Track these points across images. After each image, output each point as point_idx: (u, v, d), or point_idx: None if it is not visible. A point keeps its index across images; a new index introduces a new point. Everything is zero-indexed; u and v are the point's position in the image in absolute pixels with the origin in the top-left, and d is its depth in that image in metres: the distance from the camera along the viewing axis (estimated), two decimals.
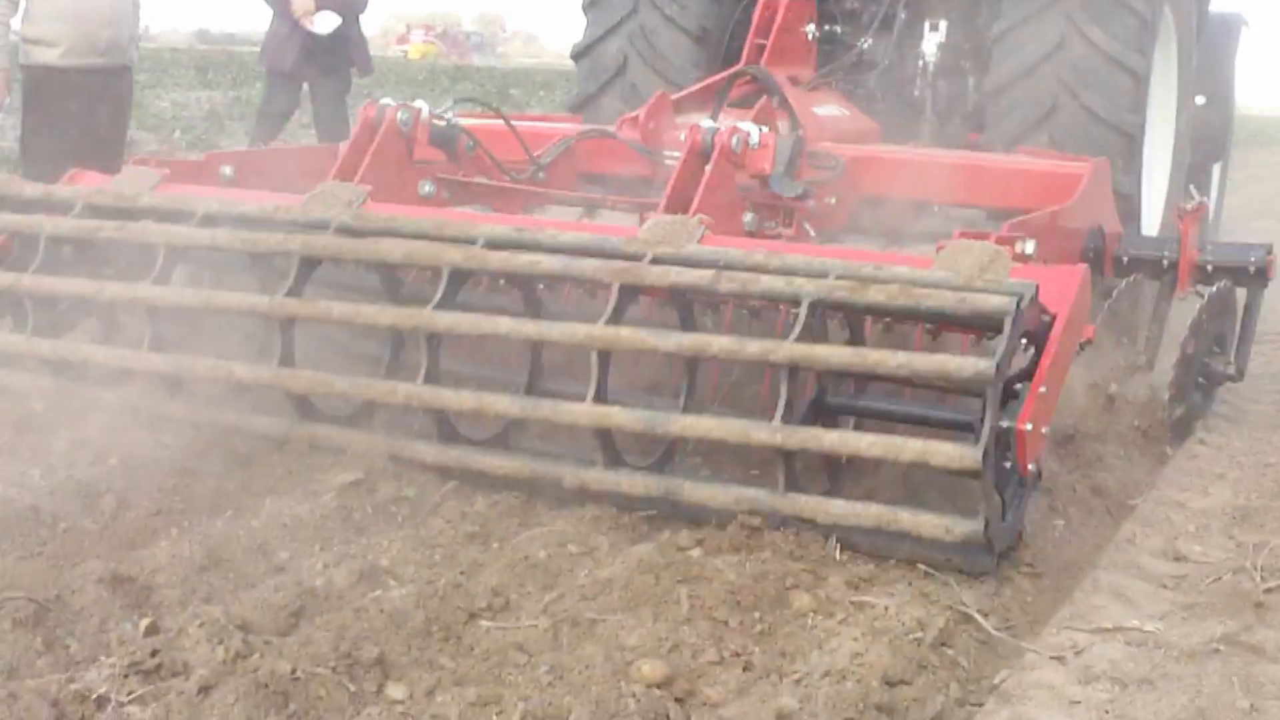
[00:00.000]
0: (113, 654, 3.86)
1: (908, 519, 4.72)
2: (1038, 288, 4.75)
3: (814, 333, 4.96)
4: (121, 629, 4.07)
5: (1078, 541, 5.54)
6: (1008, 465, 4.80)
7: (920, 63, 9.09)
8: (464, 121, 7.41)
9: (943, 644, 4.37)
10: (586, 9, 9.53)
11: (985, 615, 4.62)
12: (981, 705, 4.08)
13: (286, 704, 3.65)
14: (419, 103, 7.08)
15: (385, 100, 6.99)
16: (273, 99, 12.86)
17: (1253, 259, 7.14)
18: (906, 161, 7.51)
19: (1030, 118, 8.21)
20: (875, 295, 4.85)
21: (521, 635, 4.14)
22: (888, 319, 5.48)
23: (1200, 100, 10.24)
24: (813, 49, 8.78)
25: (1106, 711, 4.02)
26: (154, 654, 3.81)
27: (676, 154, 6.70)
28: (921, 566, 4.86)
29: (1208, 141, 10.71)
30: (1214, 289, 7.08)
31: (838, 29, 9.05)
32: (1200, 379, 7.21)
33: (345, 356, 6.06)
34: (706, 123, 6.51)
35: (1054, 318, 4.93)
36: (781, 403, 4.89)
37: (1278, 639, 4.52)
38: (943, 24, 9.07)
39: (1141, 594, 4.96)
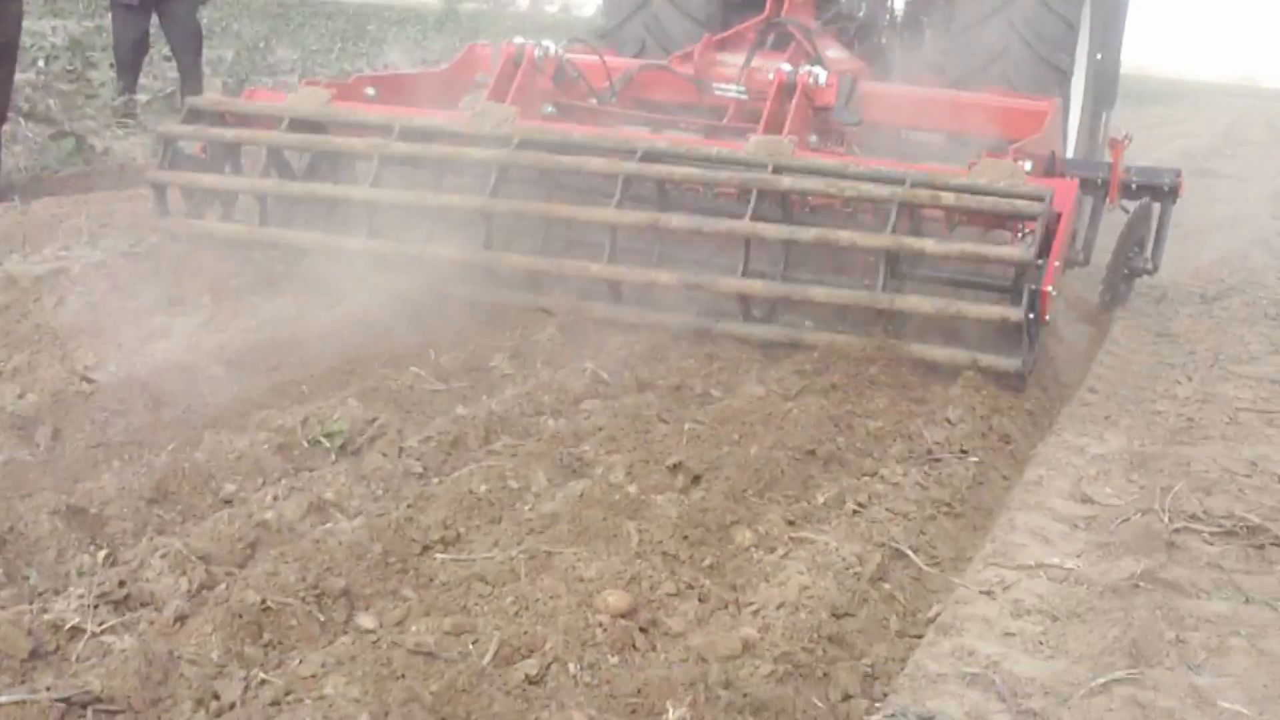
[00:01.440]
0: (77, 585, 3.85)
1: (978, 307, 6.76)
2: (1053, 192, 6.68)
3: (896, 227, 6.72)
4: (80, 560, 4.07)
5: (989, 484, 5.74)
6: (1032, 316, 6.63)
7: (888, 15, 10.80)
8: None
9: (879, 579, 4.53)
10: None
11: (915, 552, 4.79)
12: (921, 637, 4.24)
13: (261, 633, 3.70)
14: (546, 42, 8.85)
15: (519, 39, 8.80)
16: (122, 30, 12.78)
17: (1166, 180, 8.73)
18: (919, 97, 9.06)
19: (986, 58, 9.57)
20: (946, 198, 6.85)
21: (479, 567, 4.22)
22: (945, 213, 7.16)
23: (1098, 56, 11.40)
24: (813, 2, 9.96)
25: (1041, 643, 4.20)
26: (121, 584, 3.82)
27: (722, 86, 8.89)
28: (851, 504, 5.06)
29: (1102, 91, 12.02)
30: (1138, 203, 8.82)
31: None
32: (1125, 272, 9.04)
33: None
34: (786, 66, 8.27)
35: (1060, 214, 6.76)
36: (881, 277, 6.74)
37: (1191, 575, 4.75)
38: None
39: (1057, 533, 5.16)
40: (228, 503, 4.63)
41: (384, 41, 29.56)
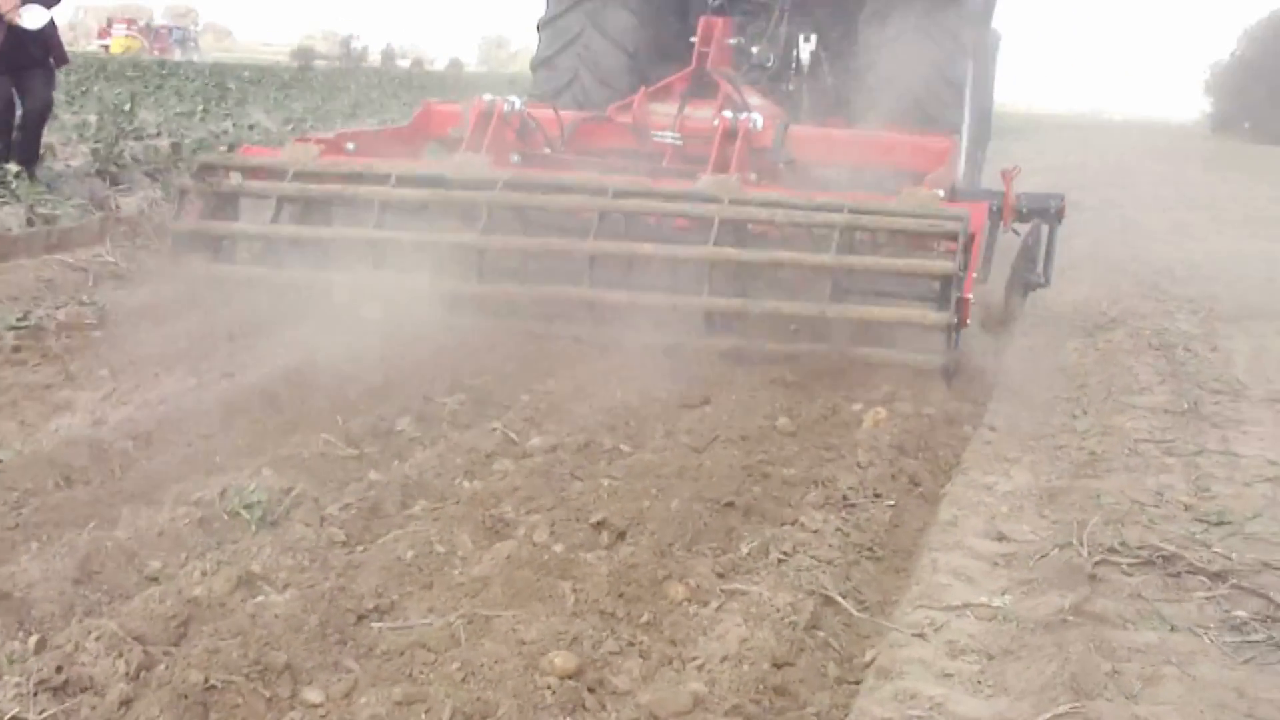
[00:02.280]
0: (11, 673, 3.77)
1: (915, 313, 7.83)
2: (970, 214, 7.84)
3: (841, 247, 7.81)
4: (10, 647, 3.98)
5: (905, 526, 5.80)
6: (955, 321, 7.64)
7: (795, 65, 11.66)
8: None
9: (814, 626, 4.56)
10: (540, 28, 11.81)
11: (844, 597, 4.83)
12: (861, 683, 4.28)
13: (208, 713, 3.66)
14: (512, 98, 9.81)
15: (488, 96, 9.76)
16: None
17: (1053, 204, 9.70)
18: (842, 138, 10.11)
19: (892, 111, 10.40)
20: (881, 222, 7.98)
21: (418, 634, 4.19)
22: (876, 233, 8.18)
23: (976, 98, 12.18)
24: (730, 53, 11.01)
25: (980, 682, 4.26)
26: (58, 670, 3.75)
27: (659, 133, 9.96)
28: (776, 554, 5.10)
29: (980, 129, 12.93)
30: (1030, 226, 9.73)
31: (743, 40, 11.34)
32: (1022, 286, 9.79)
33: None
34: (729, 113, 9.37)
35: (974, 233, 7.85)
36: (828, 290, 7.78)
37: (1116, 607, 4.83)
38: (813, 37, 11.64)
39: (978, 572, 5.23)
40: (154, 580, 4.55)
41: (246, 101, 29.29)
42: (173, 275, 8.75)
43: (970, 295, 7.72)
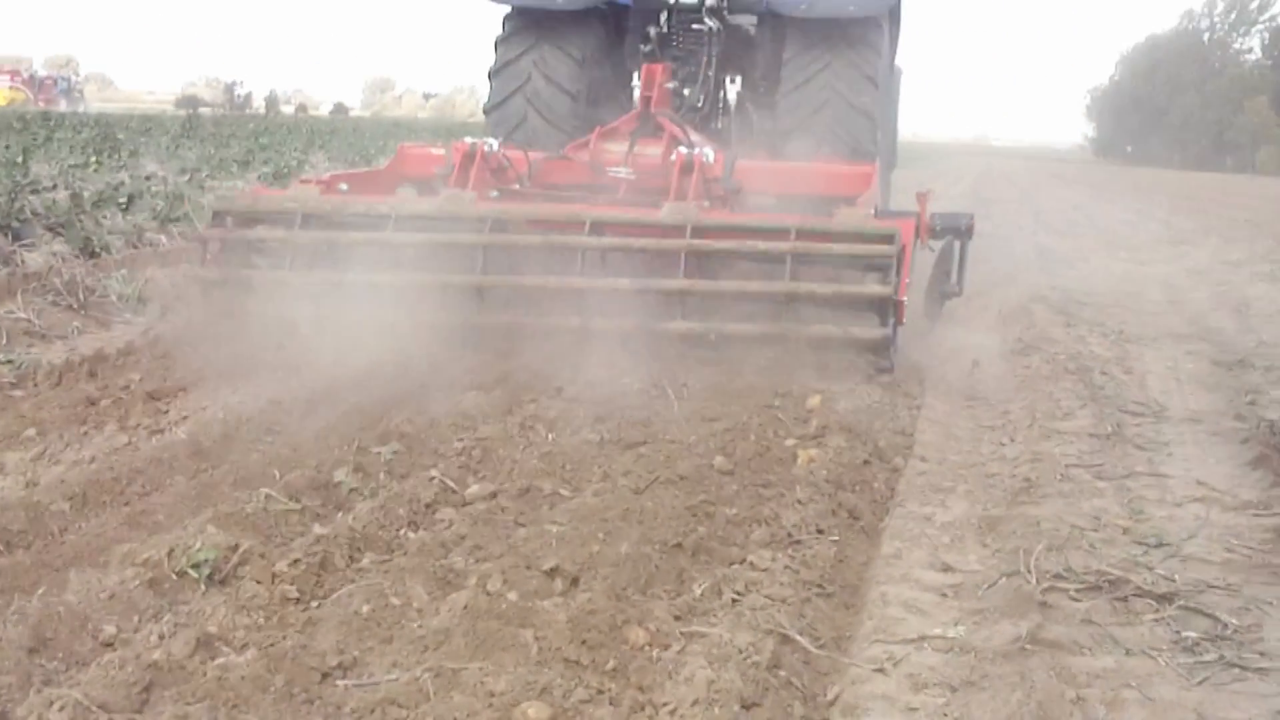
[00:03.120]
0: None
1: (858, 330, 8.97)
2: (899, 230, 9.02)
3: (793, 270, 8.94)
4: None
5: (849, 561, 5.82)
6: (891, 326, 8.96)
7: (722, 105, 12.82)
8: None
9: (775, 666, 4.57)
10: (492, 76, 12.84)
11: (801, 635, 4.85)
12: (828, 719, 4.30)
13: None
14: (491, 140, 10.86)
15: (470, 139, 10.73)
16: None
17: (964, 222, 10.73)
18: (781, 168, 11.40)
19: (812, 144, 11.70)
20: (826, 245, 9.06)
21: (385, 691, 4.16)
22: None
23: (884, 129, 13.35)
24: (669, 96, 12.07)
25: (946, 715, 4.29)
26: None
27: (613, 168, 11.00)
28: (729, 594, 5.12)
29: (887, 156, 13.92)
30: (944, 242, 10.76)
31: (677, 83, 12.40)
32: (939, 295, 10.80)
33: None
34: (684, 149, 10.36)
35: (905, 244, 9.08)
36: (784, 309, 8.99)
37: (1070, 633, 4.90)
38: (738, 79, 12.88)
39: (929, 604, 5.28)
40: (110, 645, 4.48)
41: (138, 152, 28.93)
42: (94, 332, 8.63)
43: (905, 298, 8.99)
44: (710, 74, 12.60)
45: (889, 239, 8.95)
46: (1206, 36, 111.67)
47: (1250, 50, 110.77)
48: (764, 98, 12.91)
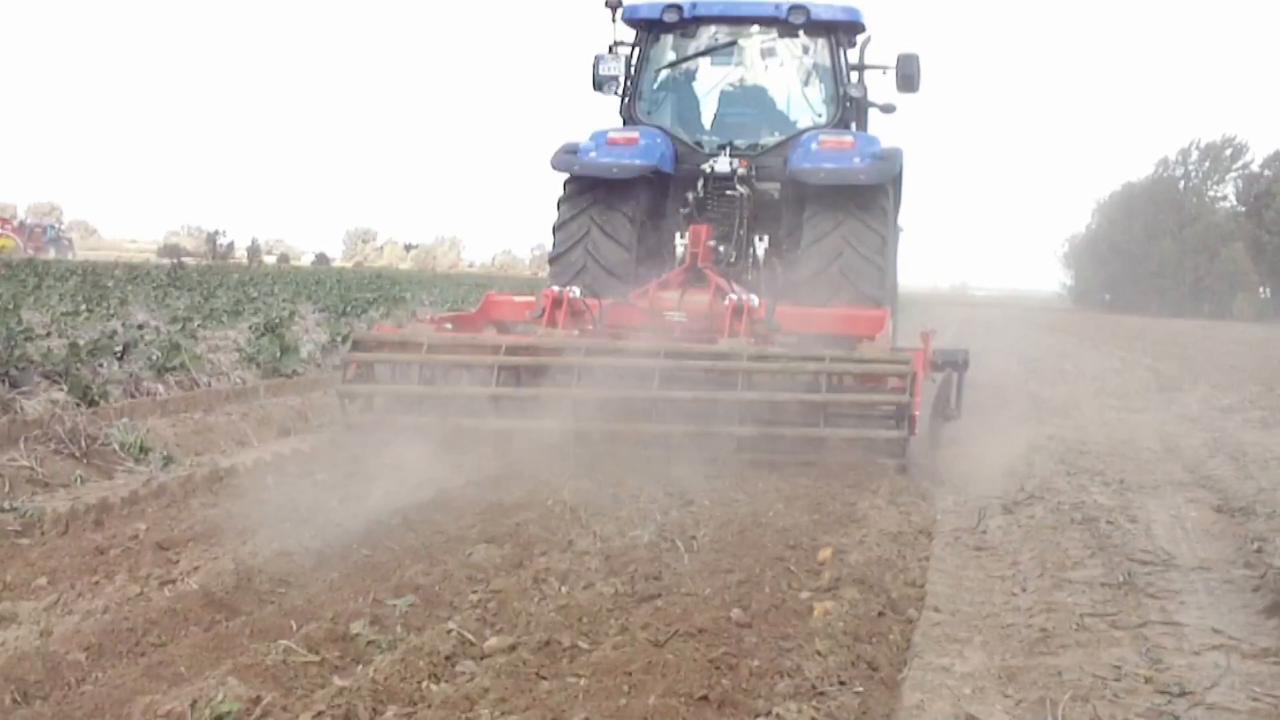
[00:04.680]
0: None
1: (880, 434, 11.42)
2: (913, 359, 11.41)
3: (830, 387, 11.38)
4: None
5: (873, 712, 5.78)
6: (907, 430, 11.21)
7: (751, 259, 14.74)
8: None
9: None
10: (555, 230, 15.04)
11: None
12: None
13: None
14: (573, 288, 13.03)
15: (557, 287, 13.04)
16: None
17: (960, 357, 13.58)
18: (813, 313, 13.33)
19: (828, 291, 13.90)
20: (855, 367, 11.56)
21: None
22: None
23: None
24: (710, 252, 13.75)
25: None
26: None
27: (670, 313, 13.15)
28: None
29: (892, 302, 15.48)
30: (944, 374, 13.55)
31: (715, 241, 14.07)
32: (941, 418, 13.21)
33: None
34: (733, 296, 12.62)
35: (917, 370, 11.39)
36: (823, 417, 11.36)
37: None
38: (765, 237, 14.83)
39: None
40: None
41: (127, 300, 29.04)
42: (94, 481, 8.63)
43: (917, 413, 11.23)
44: (742, 233, 14.60)
45: (906, 363, 11.31)
46: (1182, 184, 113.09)
47: (1225, 197, 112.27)
48: (787, 252, 14.95)
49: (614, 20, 15.26)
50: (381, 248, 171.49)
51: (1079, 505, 10.32)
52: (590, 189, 14.92)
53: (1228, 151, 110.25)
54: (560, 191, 15.19)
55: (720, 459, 11.11)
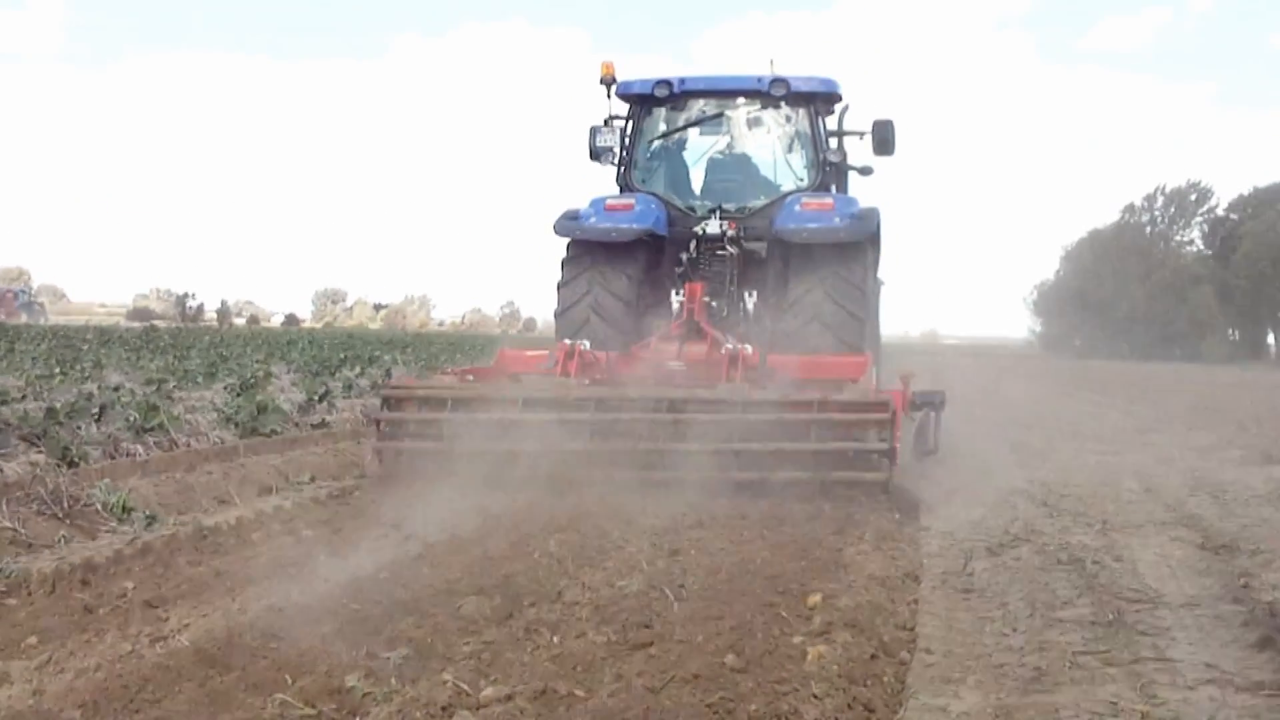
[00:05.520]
0: None
1: (867, 475, 12.50)
2: (893, 399, 12.65)
3: (818, 433, 12.58)
4: None
5: None
6: (890, 465, 12.46)
7: (742, 312, 16.02)
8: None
9: None
10: (560, 288, 16.38)
11: None
12: None
13: None
14: (583, 341, 14.61)
15: (568, 341, 14.50)
16: None
17: (938, 398, 14.51)
18: (801, 360, 14.48)
19: (809, 343, 15.03)
20: (841, 411, 12.66)
21: None
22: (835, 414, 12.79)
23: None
24: (704, 307, 15.17)
25: None
26: None
27: (670, 362, 14.61)
28: None
29: (875, 349, 16.58)
30: (921, 412, 14.43)
31: (707, 297, 15.47)
32: (920, 454, 14.24)
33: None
34: (729, 346, 14.01)
35: (897, 408, 12.67)
36: (816, 460, 12.48)
37: None
38: (755, 292, 16.15)
39: None
40: None
41: (100, 364, 28.95)
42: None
43: (898, 445, 12.61)
44: (732, 289, 16.10)
45: (885, 404, 12.57)
46: (1149, 230, 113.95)
47: (1191, 242, 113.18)
48: (774, 305, 16.00)
49: (609, 96, 16.56)
50: (351, 308, 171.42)
51: (1064, 546, 10.33)
52: (590, 251, 16.23)
53: (1193, 196, 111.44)
54: (563, 253, 16.53)
55: (712, 490, 12.12)
